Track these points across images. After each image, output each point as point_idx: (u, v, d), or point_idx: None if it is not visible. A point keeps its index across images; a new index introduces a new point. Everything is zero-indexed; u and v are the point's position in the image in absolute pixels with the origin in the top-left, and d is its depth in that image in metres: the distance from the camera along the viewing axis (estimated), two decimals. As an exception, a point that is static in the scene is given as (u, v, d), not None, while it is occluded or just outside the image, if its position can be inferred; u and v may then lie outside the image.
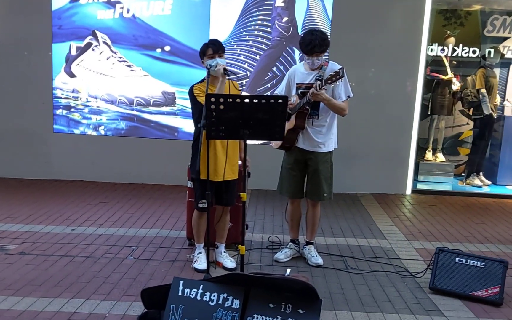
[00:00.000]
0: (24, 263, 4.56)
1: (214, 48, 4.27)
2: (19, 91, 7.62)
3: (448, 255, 4.28)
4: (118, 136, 7.71)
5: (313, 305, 3.15)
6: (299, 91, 4.60)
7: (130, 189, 7.39)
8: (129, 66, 7.50)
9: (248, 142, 3.75)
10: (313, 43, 4.41)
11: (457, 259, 4.24)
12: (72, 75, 7.58)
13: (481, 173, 8.51)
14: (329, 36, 4.53)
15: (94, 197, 6.87)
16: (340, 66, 4.41)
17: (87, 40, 7.47)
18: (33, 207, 6.29)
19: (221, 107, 3.53)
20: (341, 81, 4.36)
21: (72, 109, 7.66)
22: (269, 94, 7.26)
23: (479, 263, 4.17)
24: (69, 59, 7.54)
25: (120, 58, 7.48)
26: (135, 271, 4.49)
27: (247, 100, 3.60)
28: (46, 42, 7.52)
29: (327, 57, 4.59)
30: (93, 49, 7.49)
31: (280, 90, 4.83)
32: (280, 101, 3.57)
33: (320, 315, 3.12)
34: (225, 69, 4.15)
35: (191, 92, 4.34)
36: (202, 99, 4.03)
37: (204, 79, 4.34)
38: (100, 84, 7.59)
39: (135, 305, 3.80)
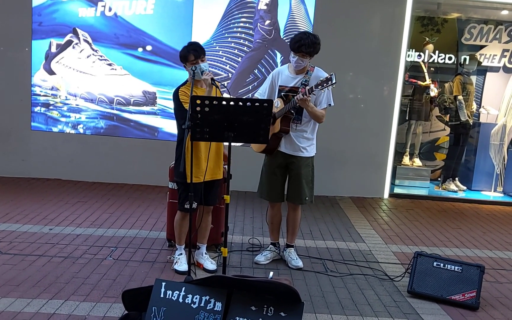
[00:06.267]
0: (1, 262, 4.48)
1: (195, 53, 4.25)
2: (-4, 87, 7.49)
3: (426, 260, 4.36)
4: (97, 135, 7.62)
5: (295, 308, 3.17)
6: (281, 93, 4.60)
7: (109, 189, 7.32)
8: (109, 64, 7.43)
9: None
10: (302, 42, 4.40)
11: (435, 263, 4.31)
12: (51, 72, 7.47)
13: (456, 179, 8.68)
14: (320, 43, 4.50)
15: (72, 196, 6.78)
16: (326, 74, 4.39)
17: (67, 37, 7.37)
18: (10, 205, 6.19)
19: (206, 109, 3.53)
20: (328, 89, 4.38)
21: (51, 107, 7.55)
22: (250, 96, 7.27)
23: (456, 267, 4.25)
24: (49, 56, 7.43)
25: (101, 56, 7.40)
26: (115, 272, 4.45)
27: (232, 103, 3.61)
28: (25, 39, 7.39)
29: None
30: (73, 47, 7.39)
31: (262, 91, 4.77)
32: (265, 104, 3.59)
33: (302, 318, 3.14)
34: (212, 79, 4.16)
35: (176, 96, 4.31)
36: (187, 105, 4.01)
37: (187, 80, 4.34)
38: (80, 82, 7.50)
39: (115, 307, 3.78)
